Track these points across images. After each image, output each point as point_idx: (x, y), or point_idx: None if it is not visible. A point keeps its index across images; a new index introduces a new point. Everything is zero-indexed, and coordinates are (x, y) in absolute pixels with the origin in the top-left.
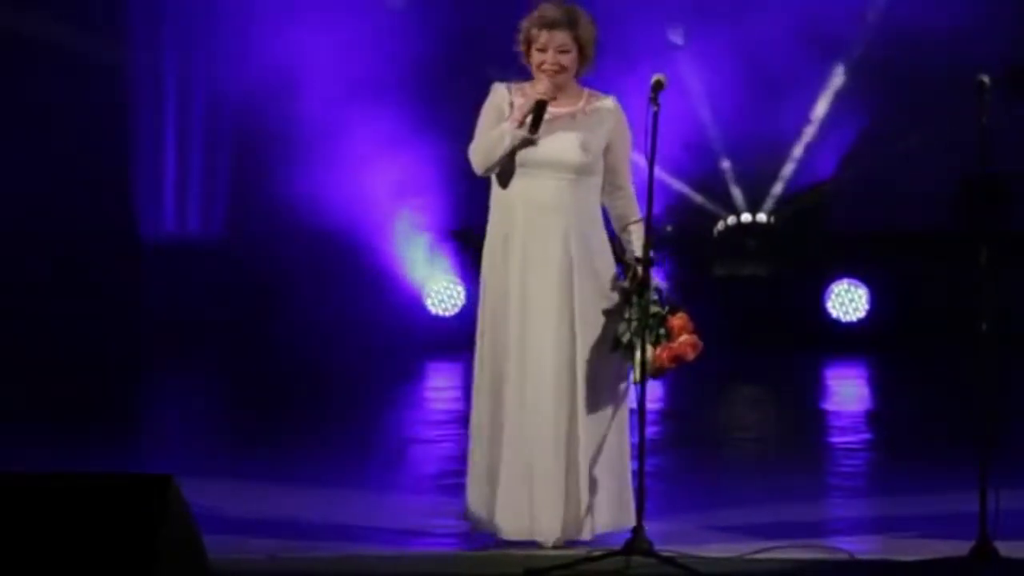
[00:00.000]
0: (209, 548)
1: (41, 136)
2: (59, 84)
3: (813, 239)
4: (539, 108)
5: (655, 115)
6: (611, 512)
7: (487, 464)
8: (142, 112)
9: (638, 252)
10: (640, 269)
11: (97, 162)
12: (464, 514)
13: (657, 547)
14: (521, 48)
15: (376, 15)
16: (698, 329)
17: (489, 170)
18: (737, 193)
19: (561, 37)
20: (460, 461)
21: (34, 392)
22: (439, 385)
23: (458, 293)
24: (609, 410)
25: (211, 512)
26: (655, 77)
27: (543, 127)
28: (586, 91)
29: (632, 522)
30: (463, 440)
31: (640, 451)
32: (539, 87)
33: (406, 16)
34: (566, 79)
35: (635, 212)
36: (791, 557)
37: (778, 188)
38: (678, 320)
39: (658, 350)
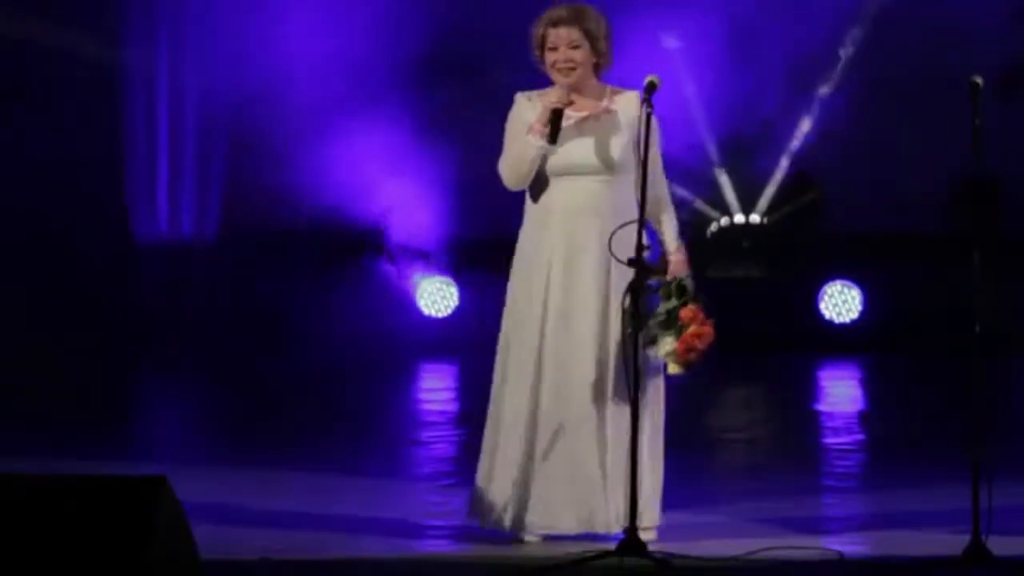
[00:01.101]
0: (202, 549)
1: (33, 137)
2: (52, 84)
3: (807, 240)
4: (555, 117)
5: (648, 116)
6: (651, 506)
7: (518, 461)
8: (135, 112)
9: (670, 245)
10: (669, 261)
11: (90, 163)
12: (477, 511)
13: (651, 547)
14: (535, 53)
15: (372, 13)
16: (710, 318)
17: (519, 185)
18: (730, 194)
19: (570, 33)
20: (454, 462)
21: (28, 392)
22: (432, 386)
23: (451, 294)
24: (647, 407)
25: (205, 513)
26: (648, 78)
27: (571, 130)
28: (608, 87)
29: (658, 520)
30: (457, 441)
31: (632, 453)
32: (553, 95)
33: (402, 14)
34: (582, 75)
35: (668, 203)
36: (785, 558)
37: (771, 189)
38: (686, 312)
39: (672, 343)
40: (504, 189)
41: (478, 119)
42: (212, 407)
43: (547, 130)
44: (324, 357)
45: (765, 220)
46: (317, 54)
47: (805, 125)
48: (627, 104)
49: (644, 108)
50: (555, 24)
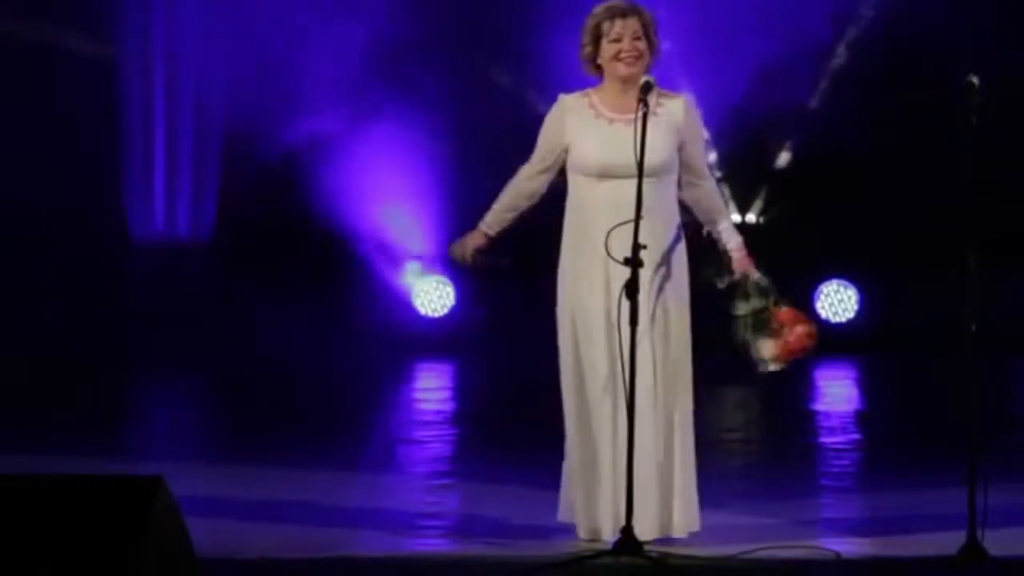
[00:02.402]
0: (198, 549)
1: (29, 135)
2: (48, 83)
3: (802, 240)
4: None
5: (644, 116)
6: (690, 511)
7: (582, 466)
8: (132, 111)
9: (730, 243)
10: (732, 259)
11: (87, 162)
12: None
13: (647, 547)
14: (587, 50)
15: (372, 13)
16: (804, 315)
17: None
18: (726, 194)
19: (634, 24)
20: (449, 461)
21: (24, 391)
22: (427, 386)
23: (447, 294)
24: (683, 410)
25: (201, 513)
26: (643, 79)
27: (618, 131)
28: (656, 89)
29: (697, 525)
30: (452, 441)
31: (628, 452)
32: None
33: (401, 13)
34: (642, 69)
35: (720, 204)
36: (780, 557)
37: (767, 189)
38: (786, 313)
39: (773, 346)
40: (501, 188)
41: (476, 118)
42: (207, 406)
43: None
44: (320, 356)
45: (761, 220)
46: (316, 53)
47: (799, 123)
48: (674, 107)
49: (640, 108)
50: (622, 15)
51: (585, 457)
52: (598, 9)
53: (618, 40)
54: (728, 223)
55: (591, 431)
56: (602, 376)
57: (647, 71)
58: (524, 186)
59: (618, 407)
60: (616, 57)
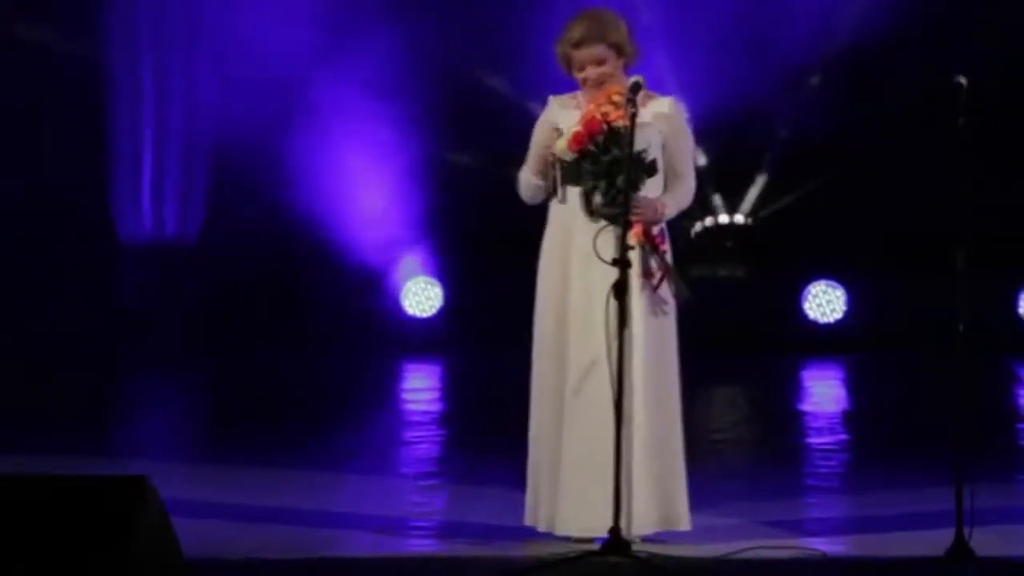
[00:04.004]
0: (185, 549)
1: (17, 137)
2: (35, 84)
3: (790, 240)
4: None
5: (633, 116)
6: (662, 509)
7: (549, 463)
8: (120, 113)
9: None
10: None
11: (74, 164)
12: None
13: (635, 548)
14: (564, 68)
15: (362, 16)
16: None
17: (530, 202)
18: (714, 194)
19: (593, 52)
20: (437, 462)
21: (12, 392)
22: (416, 386)
23: (435, 294)
24: (664, 409)
25: (188, 514)
26: (633, 78)
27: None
28: (641, 92)
29: (686, 524)
30: (441, 442)
31: (616, 452)
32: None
33: (393, 17)
34: (613, 84)
35: (682, 199)
36: (767, 558)
37: (756, 189)
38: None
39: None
40: (495, 189)
41: (465, 120)
42: (195, 407)
43: (550, 175)
44: (308, 357)
45: (749, 220)
46: (306, 56)
47: (789, 122)
48: (658, 109)
49: (628, 108)
50: (577, 46)
51: (552, 450)
52: (561, 36)
53: (581, 69)
54: (670, 196)
55: (552, 424)
56: (554, 380)
57: (625, 74)
58: (531, 178)
59: (587, 403)
60: (583, 84)
